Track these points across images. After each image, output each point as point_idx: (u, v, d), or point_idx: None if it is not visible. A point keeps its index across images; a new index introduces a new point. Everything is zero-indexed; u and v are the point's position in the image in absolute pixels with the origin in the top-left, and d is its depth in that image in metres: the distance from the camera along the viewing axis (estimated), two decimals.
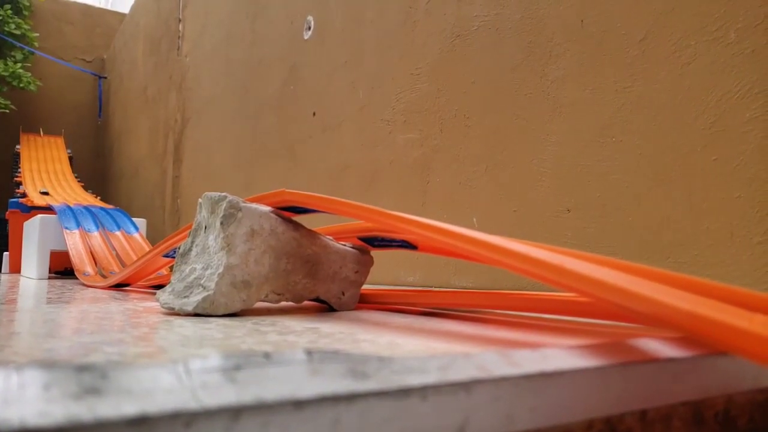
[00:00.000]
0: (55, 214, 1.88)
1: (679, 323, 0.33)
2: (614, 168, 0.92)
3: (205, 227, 0.68)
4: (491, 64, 1.17)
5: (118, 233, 1.86)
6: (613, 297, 0.36)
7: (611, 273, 0.38)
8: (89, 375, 0.22)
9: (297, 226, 0.69)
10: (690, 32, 0.83)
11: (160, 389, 0.22)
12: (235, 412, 0.21)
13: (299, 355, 0.26)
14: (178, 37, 3.03)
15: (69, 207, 2.05)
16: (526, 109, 1.08)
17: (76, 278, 1.56)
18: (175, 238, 0.98)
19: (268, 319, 0.60)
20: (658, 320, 0.34)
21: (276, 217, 0.67)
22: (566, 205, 0.99)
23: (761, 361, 0.29)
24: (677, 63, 0.84)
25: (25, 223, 1.97)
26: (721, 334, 0.31)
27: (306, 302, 0.74)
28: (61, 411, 0.19)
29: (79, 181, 3.52)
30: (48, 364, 0.22)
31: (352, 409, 0.24)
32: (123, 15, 4.88)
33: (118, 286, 1.22)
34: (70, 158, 4.07)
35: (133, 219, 2.00)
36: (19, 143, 4.13)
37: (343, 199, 0.64)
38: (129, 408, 0.20)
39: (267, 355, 0.26)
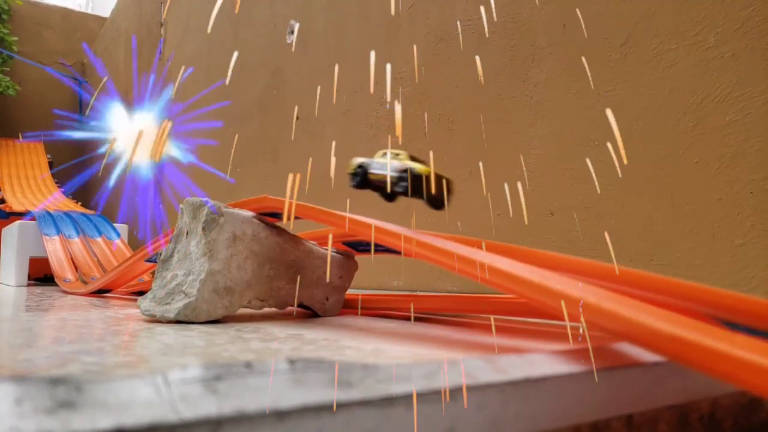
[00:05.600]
0: (34, 220, 1.85)
1: (661, 346, 0.32)
2: (597, 171, 0.92)
3: (187, 233, 0.68)
4: (474, 68, 1.17)
5: (99, 239, 1.84)
6: (593, 317, 0.35)
7: (593, 290, 0.38)
8: (63, 388, 0.21)
9: (280, 231, 0.69)
10: (670, 36, 0.83)
11: (138, 401, 0.21)
12: (216, 425, 0.21)
13: (281, 364, 0.25)
14: (160, 41, 3.01)
15: (49, 213, 2.02)
16: (509, 113, 1.09)
17: (56, 285, 1.54)
18: (157, 243, 0.97)
19: (251, 326, 0.59)
20: (638, 342, 0.34)
21: (258, 222, 0.67)
22: (549, 208, 0.99)
23: (743, 386, 0.29)
24: (658, 66, 0.85)
25: (3, 230, 1.94)
26: (703, 358, 0.30)
27: (290, 308, 0.73)
28: (33, 426, 0.18)
29: (59, 187, 3.47)
30: (20, 377, 0.21)
31: (335, 419, 0.23)
32: (104, 19, 4.83)
33: (99, 293, 1.20)
34: (50, 163, 4.01)
35: (115, 225, 1.97)
36: None
37: (325, 209, 0.64)
38: (104, 422, 0.19)
39: (248, 365, 0.25)
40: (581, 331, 0.37)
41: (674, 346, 0.31)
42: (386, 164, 0.69)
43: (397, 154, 0.69)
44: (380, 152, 0.72)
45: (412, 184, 0.65)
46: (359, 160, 0.74)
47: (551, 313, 0.57)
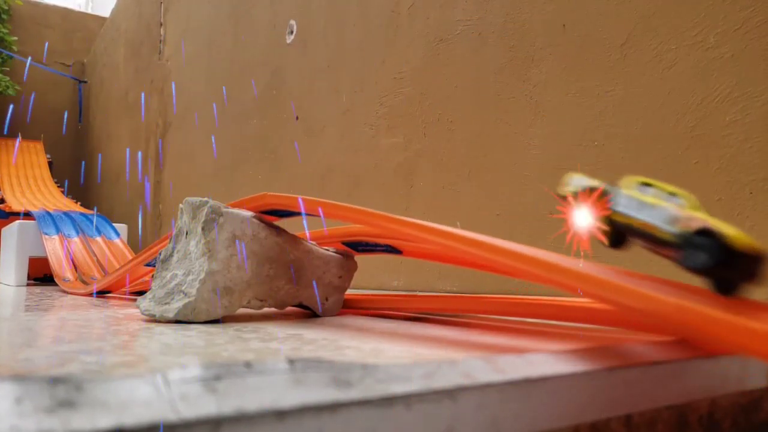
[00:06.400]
0: (33, 219, 1.85)
1: (667, 315, 0.33)
2: (596, 171, 0.92)
3: (187, 233, 0.68)
4: (474, 68, 1.17)
5: (98, 239, 1.84)
6: (602, 292, 0.36)
7: (599, 269, 0.39)
8: (63, 387, 0.21)
9: (280, 231, 0.69)
10: (670, 36, 0.83)
11: (138, 401, 0.21)
12: (215, 424, 0.21)
13: (281, 364, 0.25)
14: (160, 41, 3.01)
15: (48, 212, 2.02)
16: (509, 113, 1.09)
17: (56, 285, 1.54)
18: (158, 247, 0.97)
19: (251, 326, 0.59)
20: (645, 314, 0.34)
21: (258, 222, 0.67)
22: (549, 208, 0.99)
23: (748, 352, 0.29)
24: (658, 67, 0.85)
25: (3, 229, 1.94)
26: (708, 326, 0.31)
27: (289, 308, 0.73)
28: (33, 425, 0.18)
29: (58, 187, 3.47)
30: (20, 377, 0.21)
31: (335, 419, 0.23)
32: (103, 19, 4.82)
33: (99, 293, 1.21)
34: (50, 163, 4.01)
35: (114, 225, 1.97)
36: None
37: (326, 200, 0.63)
38: (104, 421, 0.19)
39: (248, 365, 0.25)
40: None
41: (680, 314, 0.32)
42: (652, 207, 0.44)
43: (673, 194, 0.45)
44: (632, 179, 0.49)
45: (720, 259, 0.39)
46: (583, 180, 0.50)
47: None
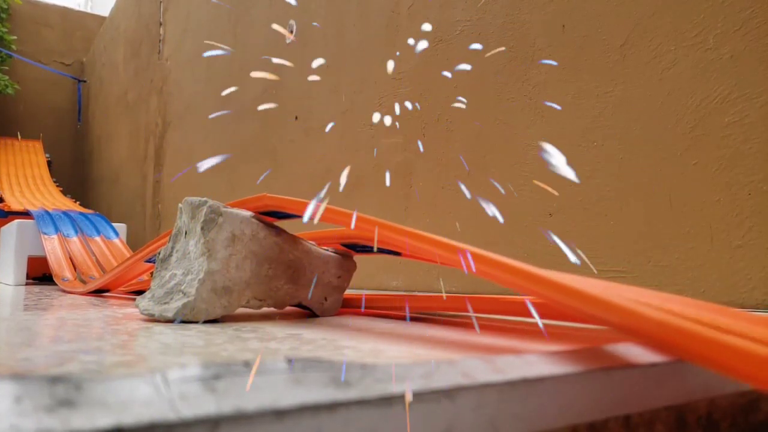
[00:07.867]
0: (32, 219, 1.85)
1: (649, 332, 0.32)
2: (595, 172, 0.92)
3: (186, 232, 0.68)
4: (474, 68, 1.17)
5: (97, 238, 1.84)
6: (587, 307, 0.36)
7: (586, 282, 0.38)
8: (63, 386, 0.21)
9: (279, 231, 0.69)
10: (670, 37, 0.83)
11: (137, 400, 0.21)
12: (215, 423, 0.21)
13: (280, 363, 0.25)
14: (159, 40, 3.01)
15: (47, 212, 2.02)
16: (508, 114, 1.09)
17: (55, 284, 1.54)
18: (157, 244, 0.97)
19: (250, 326, 0.59)
20: (628, 329, 0.34)
21: (257, 222, 0.67)
22: (548, 209, 0.99)
23: (730, 373, 0.29)
24: (657, 68, 0.85)
25: (2, 229, 1.94)
26: (690, 343, 0.30)
27: (288, 308, 0.73)
28: (33, 424, 0.19)
29: (57, 186, 3.47)
30: (20, 376, 0.21)
31: (334, 418, 0.23)
32: (103, 18, 4.82)
33: (98, 292, 1.20)
34: (49, 163, 4.01)
35: (113, 224, 1.97)
36: None
37: (331, 206, 0.63)
38: (104, 420, 0.19)
39: (247, 364, 0.25)
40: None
41: (663, 332, 0.31)
42: None
43: None
44: None
45: None
46: None
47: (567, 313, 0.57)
